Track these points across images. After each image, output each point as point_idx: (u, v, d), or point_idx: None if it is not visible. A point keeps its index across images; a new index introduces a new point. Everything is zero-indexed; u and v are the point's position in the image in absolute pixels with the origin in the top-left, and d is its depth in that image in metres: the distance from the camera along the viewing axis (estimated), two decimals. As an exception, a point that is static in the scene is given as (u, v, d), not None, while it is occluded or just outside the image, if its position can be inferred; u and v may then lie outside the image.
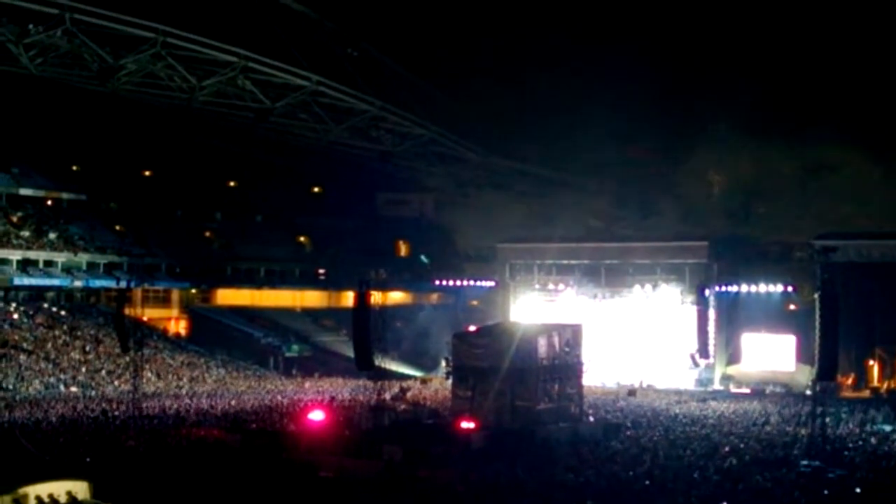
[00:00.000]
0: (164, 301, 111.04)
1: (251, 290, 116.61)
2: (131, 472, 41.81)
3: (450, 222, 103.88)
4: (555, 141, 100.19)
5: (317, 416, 57.09)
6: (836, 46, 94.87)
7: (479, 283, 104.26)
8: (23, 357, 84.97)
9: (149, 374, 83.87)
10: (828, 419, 58.54)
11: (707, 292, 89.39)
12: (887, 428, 61.29)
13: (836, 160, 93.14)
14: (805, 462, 46.21)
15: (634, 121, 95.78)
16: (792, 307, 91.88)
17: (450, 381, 65.39)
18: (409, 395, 72.11)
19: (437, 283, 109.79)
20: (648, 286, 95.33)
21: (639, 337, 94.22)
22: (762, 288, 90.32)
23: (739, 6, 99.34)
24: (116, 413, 64.53)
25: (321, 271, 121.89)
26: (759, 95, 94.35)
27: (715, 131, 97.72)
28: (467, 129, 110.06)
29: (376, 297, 66.10)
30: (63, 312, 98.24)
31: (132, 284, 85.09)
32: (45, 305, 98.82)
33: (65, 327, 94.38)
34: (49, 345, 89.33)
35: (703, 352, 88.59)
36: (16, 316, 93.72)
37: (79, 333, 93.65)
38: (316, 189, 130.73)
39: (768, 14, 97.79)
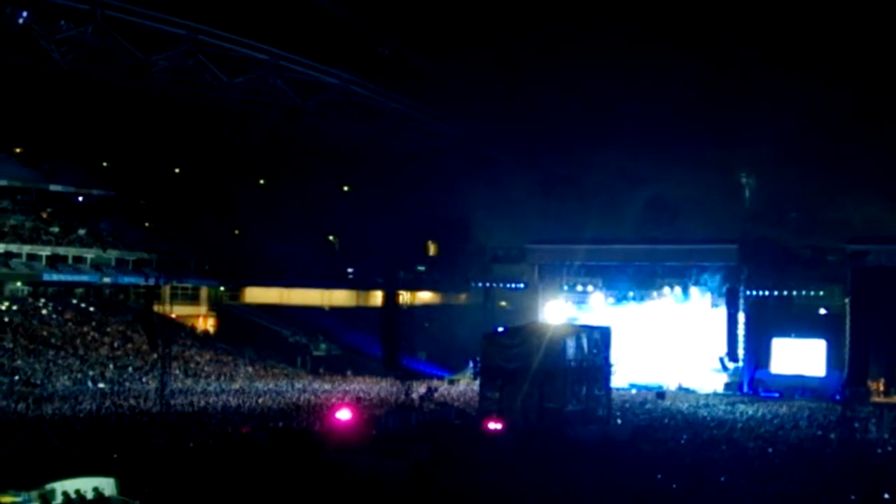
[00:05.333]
0: (193, 298, 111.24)
1: (280, 289, 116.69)
2: (158, 469, 41.82)
3: (479, 223, 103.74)
4: (588, 143, 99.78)
5: (344, 415, 56.97)
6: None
7: (508, 284, 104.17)
8: (51, 352, 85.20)
9: (177, 372, 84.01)
10: (857, 424, 58.37)
11: (737, 295, 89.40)
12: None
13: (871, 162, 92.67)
14: None
15: (667, 123, 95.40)
16: (822, 311, 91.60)
17: (478, 382, 65.29)
18: (436, 395, 71.96)
19: (466, 283, 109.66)
20: (678, 288, 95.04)
21: (668, 339, 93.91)
22: (792, 292, 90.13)
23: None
24: (144, 410, 64.64)
25: (349, 270, 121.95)
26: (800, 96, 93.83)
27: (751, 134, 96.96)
28: (499, 129, 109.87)
29: (404, 297, 65.99)
30: (92, 309, 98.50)
31: (161, 282, 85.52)
32: (74, 302, 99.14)
33: (93, 323, 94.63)
34: (78, 341, 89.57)
35: (733, 355, 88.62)
36: (45, 311, 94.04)
37: (107, 330, 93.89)
38: (345, 188, 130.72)
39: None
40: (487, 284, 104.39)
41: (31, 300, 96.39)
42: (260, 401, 72.61)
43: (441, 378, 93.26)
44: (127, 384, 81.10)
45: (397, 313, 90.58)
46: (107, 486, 36.09)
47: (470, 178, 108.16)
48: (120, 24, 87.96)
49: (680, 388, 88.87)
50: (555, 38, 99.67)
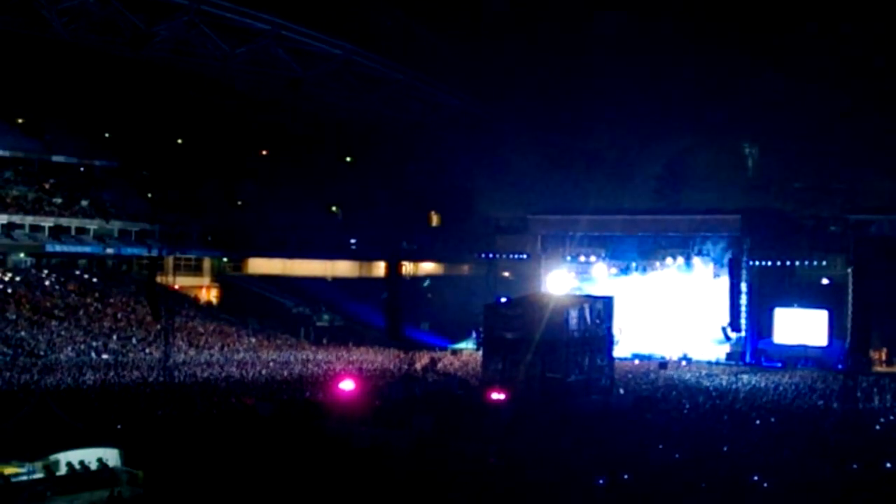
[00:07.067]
0: (196, 269, 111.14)
1: (282, 260, 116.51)
2: (161, 440, 41.92)
3: (482, 193, 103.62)
4: (591, 114, 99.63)
5: (347, 385, 57.05)
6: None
7: (510, 255, 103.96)
8: (55, 323, 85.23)
9: (180, 343, 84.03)
10: (859, 393, 58.40)
11: (740, 265, 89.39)
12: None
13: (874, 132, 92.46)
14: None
15: (671, 94, 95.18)
16: (825, 281, 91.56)
17: (480, 352, 65.34)
18: (439, 365, 72.06)
19: (469, 254, 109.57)
20: (681, 259, 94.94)
21: (671, 310, 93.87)
22: (795, 262, 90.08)
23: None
24: (148, 381, 64.72)
25: (352, 241, 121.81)
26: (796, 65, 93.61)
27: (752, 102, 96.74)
28: (503, 100, 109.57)
29: (407, 268, 65.91)
30: (95, 280, 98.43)
31: (164, 252, 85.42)
32: (77, 273, 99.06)
33: (97, 294, 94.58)
34: (81, 312, 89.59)
35: (735, 325, 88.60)
36: (48, 283, 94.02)
37: (111, 301, 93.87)
38: (348, 158, 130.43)
39: None
40: (490, 255, 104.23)
41: (34, 271, 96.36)
42: (263, 372, 72.71)
43: (444, 348, 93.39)
44: (130, 355, 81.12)
45: (400, 284, 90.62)
46: (111, 456, 36.26)
47: (473, 149, 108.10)
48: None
49: (682, 358, 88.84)
50: (558, 10, 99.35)
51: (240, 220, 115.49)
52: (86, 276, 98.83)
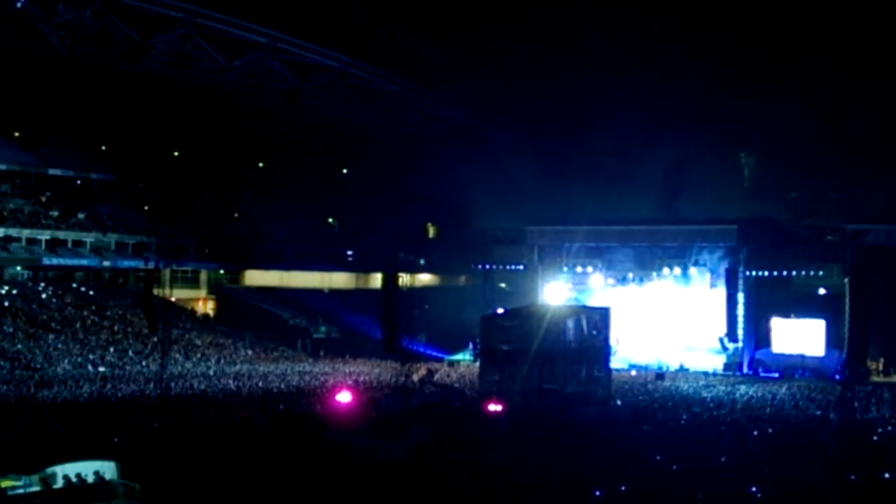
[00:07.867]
0: (193, 281, 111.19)
1: (279, 272, 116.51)
2: (159, 453, 41.88)
3: (479, 204, 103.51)
4: (587, 125, 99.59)
5: (344, 397, 56.99)
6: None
7: (507, 266, 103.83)
8: (51, 336, 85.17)
9: (176, 355, 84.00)
10: (856, 404, 58.37)
11: (736, 276, 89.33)
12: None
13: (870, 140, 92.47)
14: None
15: (666, 104, 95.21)
16: (821, 291, 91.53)
17: (478, 364, 65.26)
18: (436, 377, 71.95)
19: (466, 265, 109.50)
20: (678, 269, 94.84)
21: (668, 320, 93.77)
22: (792, 272, 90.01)
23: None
24: (144, 393, 64.68)
25: (349, 253, 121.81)
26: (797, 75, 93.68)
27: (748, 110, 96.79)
28: (499, 111, 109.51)
29: (404, 280, 65.90)
30: (91, 292, 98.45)
31: (160, 265, 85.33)
32: (74, 285, 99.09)
33: (93, 307, 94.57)
34: (78, 324, 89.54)
35: (732, 335, 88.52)
36: (44, 296, 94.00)
37: (107, 313, 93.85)
38: (344, 170, 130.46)
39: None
40: (487, 266, 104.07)
41: (30, 284, 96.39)
42: (260, 384, 72.62)
43: (441, 360, 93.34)
44: (127, 368, 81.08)
45: (397, 295, 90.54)
46: (108, 469, 36.19)
47: (469, 160, 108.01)
48: (118, 8, 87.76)
49: (680, 369, 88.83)
50: (554, 21, 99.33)
51: (236, 232, 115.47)
52: (82, 288, 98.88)
